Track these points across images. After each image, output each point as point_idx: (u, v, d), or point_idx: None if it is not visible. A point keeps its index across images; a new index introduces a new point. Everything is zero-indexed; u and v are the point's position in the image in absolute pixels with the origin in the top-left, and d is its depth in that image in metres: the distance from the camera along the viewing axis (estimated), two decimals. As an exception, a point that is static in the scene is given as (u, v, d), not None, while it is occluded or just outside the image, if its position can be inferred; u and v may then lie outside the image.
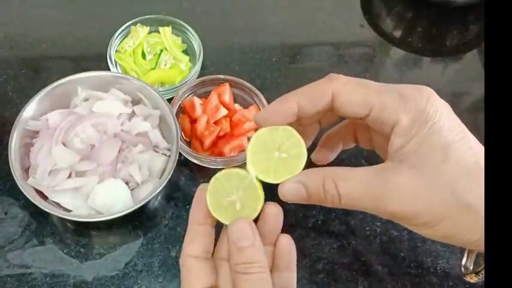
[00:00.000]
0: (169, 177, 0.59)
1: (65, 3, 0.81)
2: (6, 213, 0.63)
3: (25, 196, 0.57)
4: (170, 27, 0.74)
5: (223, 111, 0.67)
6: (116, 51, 0.73)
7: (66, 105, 0.65)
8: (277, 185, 0.41)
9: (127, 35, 0.73)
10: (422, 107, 0.39)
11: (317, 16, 0.83)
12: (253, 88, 0.67)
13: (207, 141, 0.65)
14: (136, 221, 0.63)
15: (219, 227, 0.43)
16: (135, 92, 0.65)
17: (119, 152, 0.61)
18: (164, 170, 0.61)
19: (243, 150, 0.65)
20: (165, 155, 0.63)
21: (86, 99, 0.65)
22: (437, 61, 0.81)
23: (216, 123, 0.66)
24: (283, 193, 0.41)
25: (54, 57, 0.77)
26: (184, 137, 0.67)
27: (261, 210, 0.41)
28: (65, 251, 0.61)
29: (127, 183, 0.61)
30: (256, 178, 0.41)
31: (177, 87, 0.69)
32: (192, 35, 0.73)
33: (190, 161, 0.65)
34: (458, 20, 0.84)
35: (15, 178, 0.58)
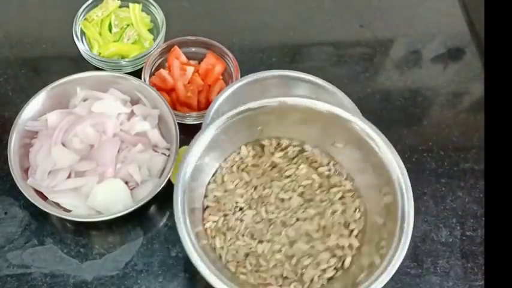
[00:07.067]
0: (168, 176, 0.59)
1: (65, 3, 0.81)
2: (6, 213, 0.63)
3: (25, 196, 0.57)
4: (140, 5, 0.75)
5: (190, 69, 0.69)
6: (85, 19, 0.74)
7: (65, 105, 0.65)
8: None
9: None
10: None
11: (317, 16, 0.83)
12: (199, 38, 0.71)
13: (194, 102, 0.67)
14: (136, 221, 0.63)
15: None
16: (133, 92, 0.65)
17: (118, 151, 0.61)
18: (164, 169, 0.61)
19: None
20: (165, 154, 0.63)
21: (85, 99, 0.65)
22: (437, 61, 0.80)
23: (189, 83, 0.69)
24: None
25: (54, 57, 0.77)
26: None
27: None
28: (65, 251, 0.61)
29: (126, 183, 0.61)
30: None
31: (137, 59, 0.70)
32: (158, 12, 0.74)
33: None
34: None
35: (14, 178, 0.58)
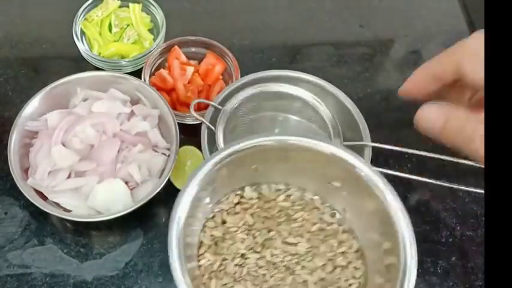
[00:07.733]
0: (168, 176, 0.59)
1: (65, 3, 0.81)
2: (6, 213, 0.63)
3: (25, 196, 0.57)
4: (140, 5, 0.75)
5: (190, 69, 0.69)
6: (85, 19, 0.74)
7: (65, 105, 0.65)
8: None
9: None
10: None
11: (317, 16, 0.83)
12: (199, 38, 0.71)
13: (194, 102, 0.66)
14: (136, 221, 0.63)
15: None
16: (133, 92, 0.65)
17: (118, 151, 0.61)
18: (164, 169, 0.61)
19: None
20: (165, 154, 0.63)
21: (85, 99, 0.65)
22: (438, 61, 0.80)
23: (189, 83, 0.69)
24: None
25: (54, 57, 0.77)
26: None
27: None
28: (65, 251, 0.61)
29: (126, 183, 0.61)
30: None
31: (137, 59, 0.71)
32: (158, 12, 0.74)
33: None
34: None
35: (14, 178, 0.58)
